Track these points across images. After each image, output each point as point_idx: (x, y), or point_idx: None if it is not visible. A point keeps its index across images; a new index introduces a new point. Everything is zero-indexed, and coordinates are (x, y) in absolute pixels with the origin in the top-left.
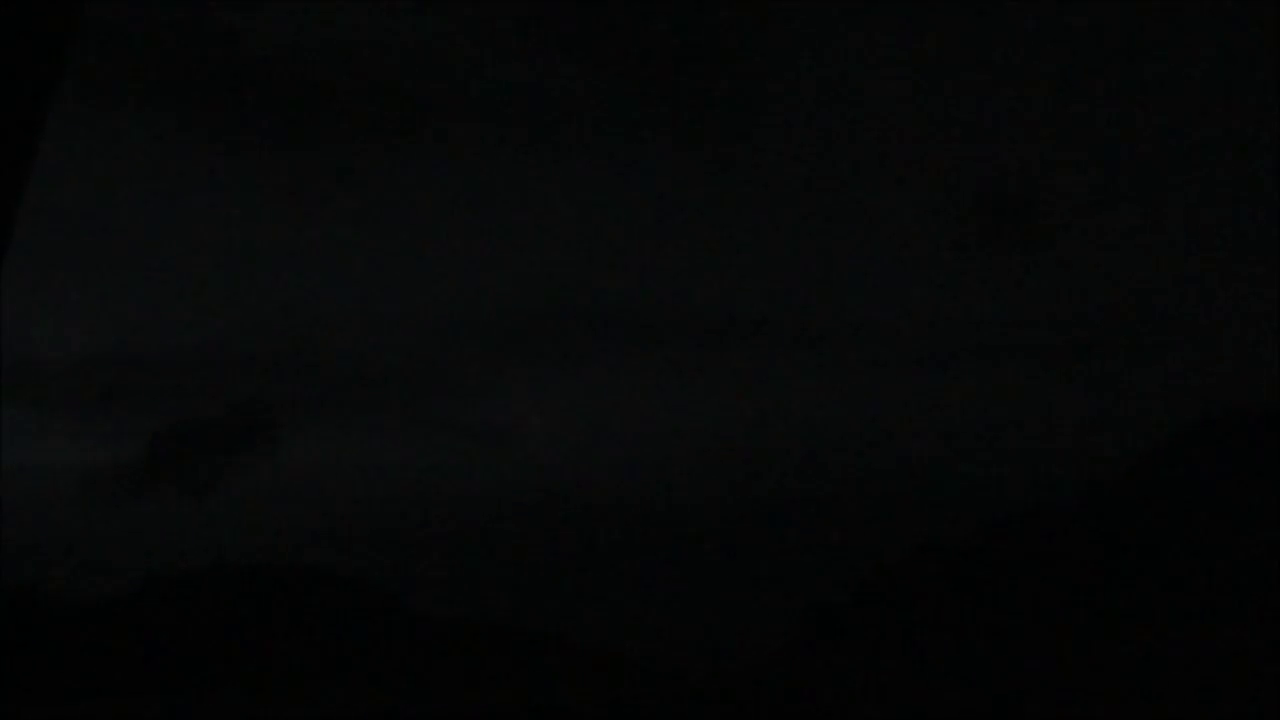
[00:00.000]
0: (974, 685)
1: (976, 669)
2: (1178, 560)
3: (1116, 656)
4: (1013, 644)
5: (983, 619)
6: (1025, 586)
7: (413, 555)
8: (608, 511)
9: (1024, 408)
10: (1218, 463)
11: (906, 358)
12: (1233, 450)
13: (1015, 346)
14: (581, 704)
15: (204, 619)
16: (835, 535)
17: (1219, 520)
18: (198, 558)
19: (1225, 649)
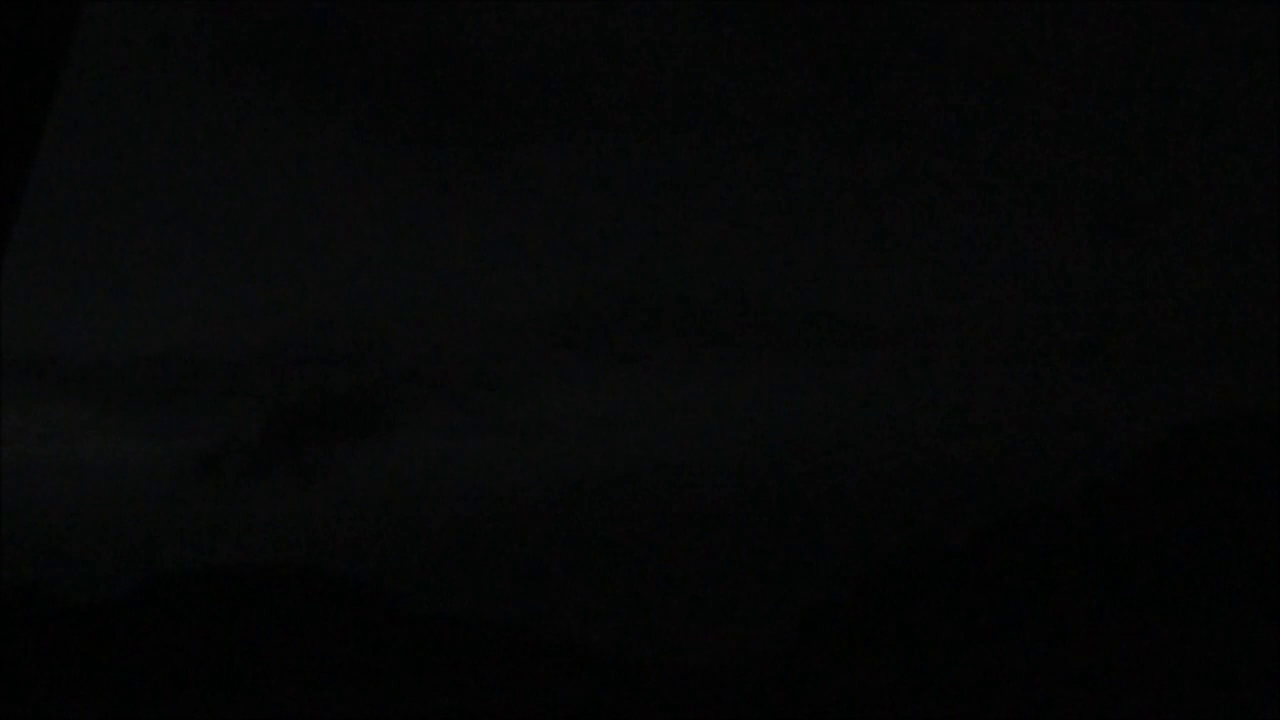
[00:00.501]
0: (973, 684)
1: (976, 668)
2: (1177, 560)
3: (1116, 655)
4: (1012, 644)
5: (983, 619)
6: (1025, 587)
7: (414, 554)
8: (608, 512)
9: (1024, 408)
10: (1216, 463)
11: (903, 360)
12: (1231, 451)
13: (1015, 347)
14: (581, 704)
15: (204, 619)
16: (835, 535)
17: (1218, 520)
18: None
19: (1225, 648)
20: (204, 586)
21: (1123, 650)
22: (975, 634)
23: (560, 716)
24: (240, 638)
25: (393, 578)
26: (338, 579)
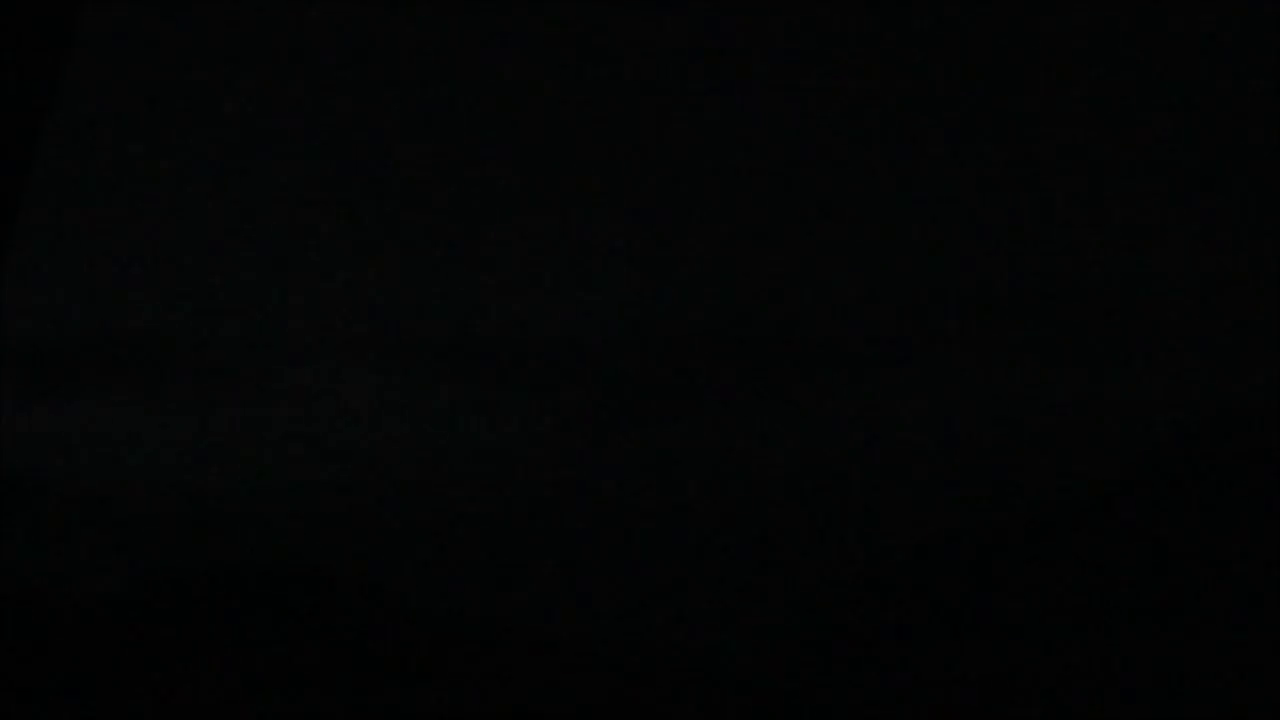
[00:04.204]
0: (973, 684)
1: (975, 668)
2: (1177, 560)
3: (1116, 656)
4: (1011, 644)
5: (981, 619)
6: (1024, 586)
7: (410, 551)
8: (606, 510)
9: (1023, 406)
10: (1218, 462)
11: (905, 354)
12: (1232, 450)
13: (1013, 341)
14: (579, 703)
15: (204, 619)
16: (834, 533)
17: (1219, 520)
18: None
19: (1225, 649)
20: (200, 587)
21: (1122, 650)
22: (974, 634)
23: (558, 715)
24: (238, 638)
25: (390, 576)
26: (336, 579)
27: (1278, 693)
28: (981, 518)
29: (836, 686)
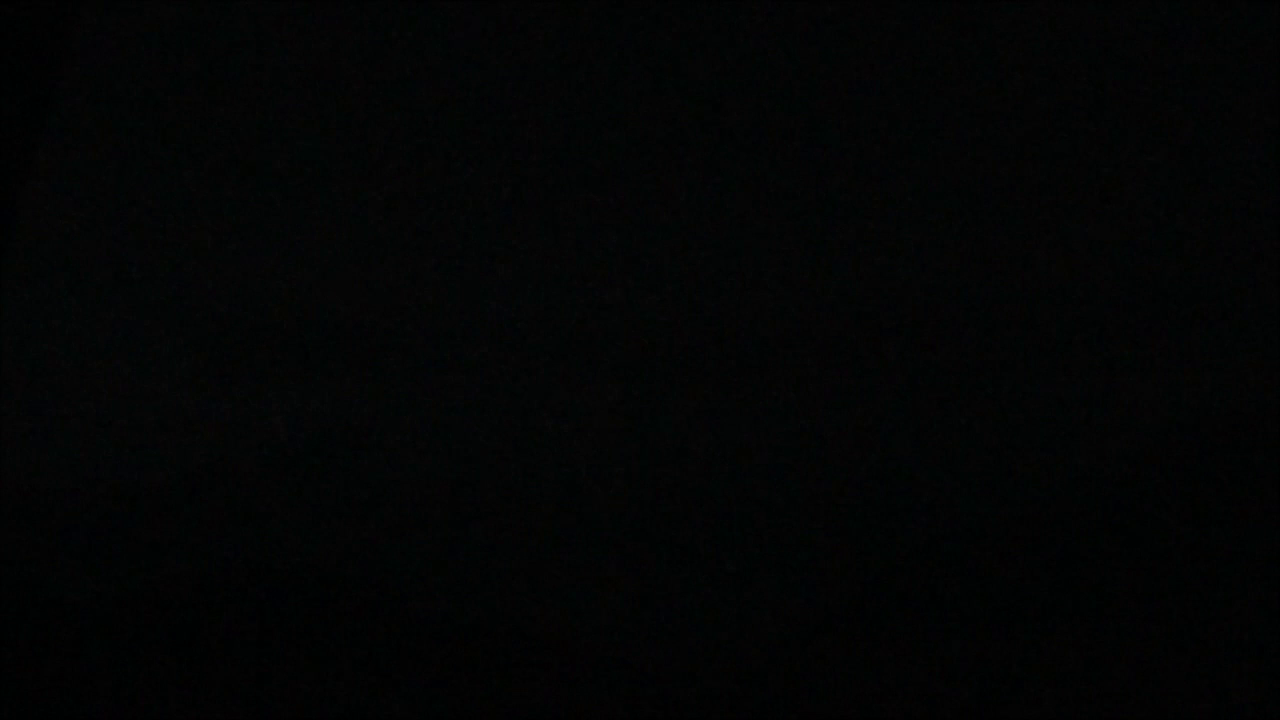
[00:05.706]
0: (973, 684)
1: (974, 668)
2: (1177, 560)
3: (1115, 656)
4: (1012, 644)
5: (978, 619)
6: (1025, 586)
7: (410, 551)
8: (604, 508)
9: (1021, 406)
10: (1216, 461)
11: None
12: (1233, 448)
13: (1010, 340)
14: (576, 703)
15: (204, 619)
16: (832, 533)
17: (1219, 519)
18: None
19: (1225, 650)
20: (200, 587)
21: (1121, 651)
22: (972, 634)
23: (557, 716)
24: (239, 638)
25: (392, 576)
26: (337, 579)
27: (1276, 691)
28: (991, 518)
29: (845, 685)
